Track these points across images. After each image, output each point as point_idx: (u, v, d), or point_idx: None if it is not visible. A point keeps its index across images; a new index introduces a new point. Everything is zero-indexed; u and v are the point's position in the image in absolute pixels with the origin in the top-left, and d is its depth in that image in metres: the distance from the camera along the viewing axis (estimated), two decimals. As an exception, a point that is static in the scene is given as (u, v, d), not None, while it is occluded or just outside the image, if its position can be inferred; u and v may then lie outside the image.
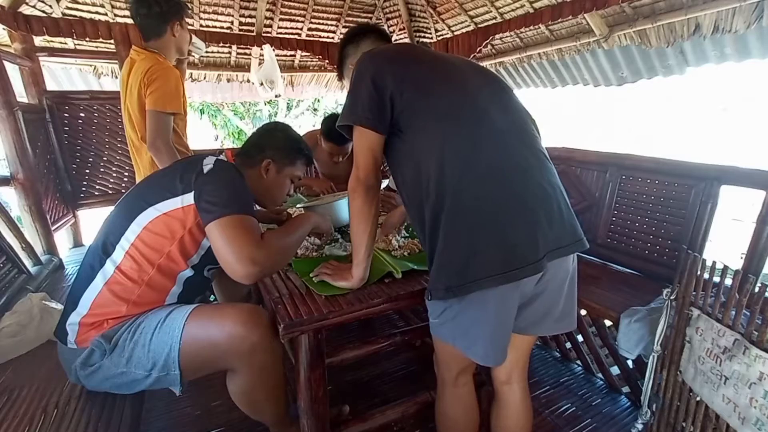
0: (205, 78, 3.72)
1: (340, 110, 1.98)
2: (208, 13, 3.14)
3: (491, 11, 3.06)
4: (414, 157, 0.90)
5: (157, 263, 1.02)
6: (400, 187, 1.00)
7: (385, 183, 2.75)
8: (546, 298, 0.92)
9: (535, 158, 0.89)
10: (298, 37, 3.62)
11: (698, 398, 1.04)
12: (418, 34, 3.89)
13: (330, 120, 1.99)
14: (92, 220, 2.81)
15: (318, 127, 2.10)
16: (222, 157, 1.14)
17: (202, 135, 9.91)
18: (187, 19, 1.67)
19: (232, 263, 0.94)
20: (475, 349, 0.90)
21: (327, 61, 3.65)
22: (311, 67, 4.15)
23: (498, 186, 0.84)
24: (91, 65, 3.18)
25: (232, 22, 3.26)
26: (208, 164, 1.05)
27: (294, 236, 1.14)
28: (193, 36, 1.78)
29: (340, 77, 1.24)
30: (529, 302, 0.92)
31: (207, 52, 3.51)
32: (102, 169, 2.62)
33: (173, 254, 1.04)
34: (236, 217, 0.97)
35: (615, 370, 1.69)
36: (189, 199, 1.00)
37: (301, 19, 3.55)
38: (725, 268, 1.01)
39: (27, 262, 1.83)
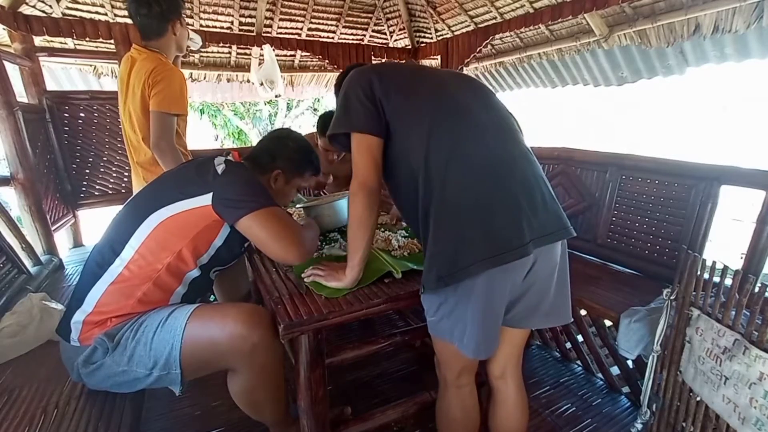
0: (205, 78, 3.72)
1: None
2: (208, 13, 3.14)
3: (491, 11, 3.06)
4: (404, 158, 0.93)
5: (167, 262, 1.03)
6: (394, 191, 1.02)
7: None
8: (536, 290, 0.93)
9: (517, 151, 0.92)
10: (298, 37, 3.62)
11: (698, 398, 1.04)
12: (418, 34, 3.89)
13: (326, 116, 2.03)
14: (92, 220, 2.81)
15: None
16: (230, 157, 1.16)
17: (202, 135, 9.91)
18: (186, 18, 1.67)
19: (282, 249, 1.04)
20: (468, 341, 0.91)
21: (327, 61, 3.65)
22: (311, 67, 4.15)
23: (481, 176, 0.87)
24: (91, 65, 3.17)
25: (232, 22, 3.26)
26: (220, 165, 1.08)
27: (314, 237, 1.30)
28: (190, 31, 1.78)
29: None
30: (520, 295, 0.94)
31: (207, 52, 3.51)
32: (102, 169, 2.61)
33: (184, 254, 1.05)
34: (271, 209, 1.05)
35: (615, 370, 1.69)
36: (206, 200, 1.02)
37: (301, 19, 3.55)
38: (725, 268, 1.01)
39: (27, 262, 1.83)
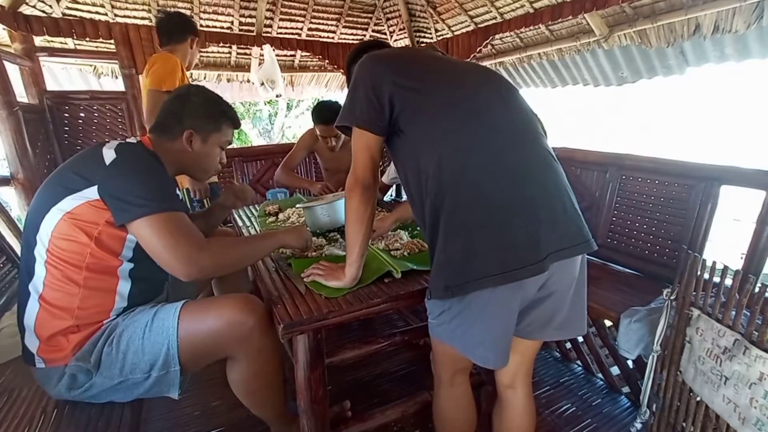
0: (205, 78, 3.72)
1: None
2: (208, 13, 3.14)
3: (491, 11, 3.06)
4: (414, 156, 0.90)
5: (85, 264, 0.94)
6: (404, 185, 0.99)
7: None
8: (550, 303, 0.90)
9: (538, 157, 0.87)
10: (298, 37, 3.63)
11: (698, 398, 1.04)
12: (418, 34, 3.89)
13: (318, 105, 2.11)
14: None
15: None
16: (131, 140, 1.04)
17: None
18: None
19: (171, 264, 0.93)
20: (475, 351, 0.90)
21: (327, 61, 3.66)
22: (311, 67, 4.16)
23: (497, 185, 0.82)
24: (91, 65, 3.18)
25: (232, 23, 3.27)
26: (109, 155, 0.94)
27: (251, 248, 1.11)
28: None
29: None
30: (532, 306, 0.90)
31: (207, 52, 3.51)
32: (102, 169, 2.62)
33: (97, 253, 0.95)
34: (168, 215, 0.93)
35: (615, 370, 1.69)
36: (92, 193, 0.90)
37: (301, 19, 3.56)
38: (725, 268, 1.01)
39: (27, 262, 1.83)
